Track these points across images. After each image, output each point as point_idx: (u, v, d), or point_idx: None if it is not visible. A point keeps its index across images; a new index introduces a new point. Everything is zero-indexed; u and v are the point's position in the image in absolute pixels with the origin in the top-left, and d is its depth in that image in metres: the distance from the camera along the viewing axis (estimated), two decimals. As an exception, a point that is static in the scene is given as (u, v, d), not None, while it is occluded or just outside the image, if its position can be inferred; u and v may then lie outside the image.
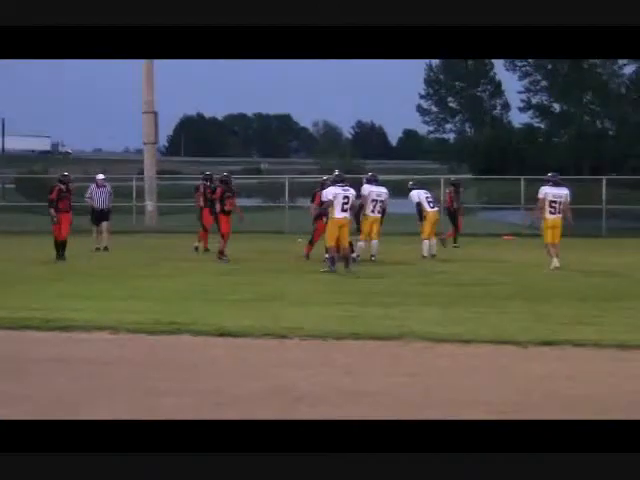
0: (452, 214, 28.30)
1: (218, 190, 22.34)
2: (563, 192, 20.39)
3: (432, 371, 9.19)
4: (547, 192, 20.25)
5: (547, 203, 20.12)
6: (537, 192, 20.70)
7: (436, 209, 24.04)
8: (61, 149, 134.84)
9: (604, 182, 35.43)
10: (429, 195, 23.99)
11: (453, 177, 31.59)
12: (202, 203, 25.51)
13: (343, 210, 19.31)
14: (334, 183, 19.85)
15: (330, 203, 19.32)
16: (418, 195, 23.62)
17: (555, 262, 19.63)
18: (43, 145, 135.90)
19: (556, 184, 20.45)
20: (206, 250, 24.99)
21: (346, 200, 19.34)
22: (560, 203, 20.21)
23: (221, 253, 21.98)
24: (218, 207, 22.16)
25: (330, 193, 19.45)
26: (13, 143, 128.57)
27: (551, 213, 20.14)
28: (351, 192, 19.59)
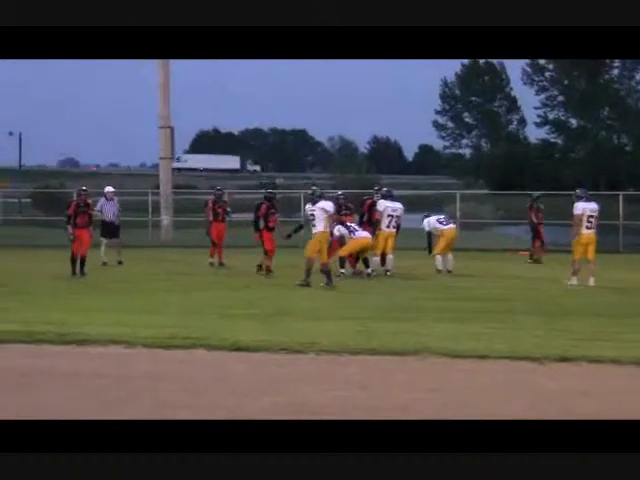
0: (535, 229, 28.52)
1: (263, 207, 22.43)
2: (596, 207, 20.43)
3: (448, 387, 9.15)
4: (585, 207, 20.19)
5: (585, 218, 20.06)
6: (567, 207, 20.68)
7: (452, 226, 23.86)
8: (249, 167, 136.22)
9: (621, 198, 35.21)
10: (441, 217, 23.93)
11: (536, 193, 30.99)
12: (211, 217, 25.74)
13: (313, 225, 19.56)
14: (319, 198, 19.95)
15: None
16: (429, 223, 23.56)
17: (591, 281, 19.60)
18: (232, 163, 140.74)
19: (587, 199, 20.45)
20: (221, 264, 25.08)
21: (312, 217, 19.56)
22: (595, 218, 20.26)
23: (267, 269, 22.05)
24: (262, 224, 22.29)
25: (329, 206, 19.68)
26: (204, 162, 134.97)
27: (587, 228, 20.08)
28: (318, 206, 19.60)
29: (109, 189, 27.02)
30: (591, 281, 19.64)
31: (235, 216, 29.19)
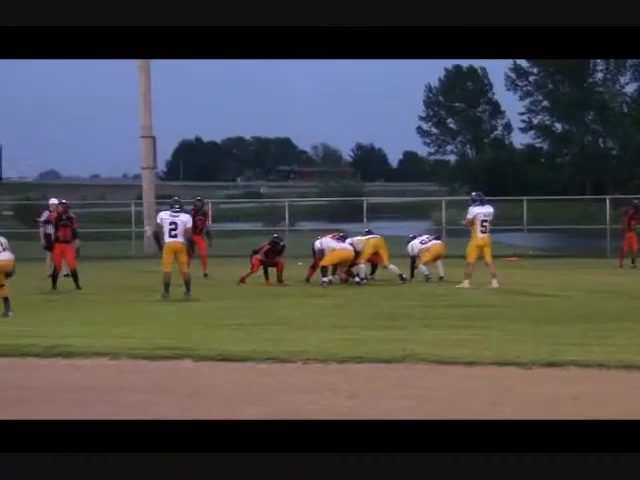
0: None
1: (265, 247, 22.38)
2: (491, 210, 21.05)
3: (436, 394, 9.09)
4: (478, 212, 20.68)
5: (478, 223, 20.42)
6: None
7: (436, 242, 23.68)
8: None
9: (607, 202, 35.23)
10: (423, 238, 23.85)
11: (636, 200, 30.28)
12: None
13: (171, 236, 19.39)
14: (169, 207, 20.04)
15: (160, 228, 19.66)
16: (412, 248, 23.45)
17: (494, 283, 19.99)
18: None
19: (482, 203, 20.77)
20: (205, 275, 25.01)
21: (173, 226, 19.43)
22: (489, 222, 20.88)
23: (242, 279, 22.45)
24: (259, 254, 22.31)
25: (158, 217, 19.93)
26: None
27: (482, 232, 20.62)
28: (180, 219, 19.58)
29: (54, 201, 26.16)
30: (494, 283, 20.14)
31: (220, 225, 29.08)
